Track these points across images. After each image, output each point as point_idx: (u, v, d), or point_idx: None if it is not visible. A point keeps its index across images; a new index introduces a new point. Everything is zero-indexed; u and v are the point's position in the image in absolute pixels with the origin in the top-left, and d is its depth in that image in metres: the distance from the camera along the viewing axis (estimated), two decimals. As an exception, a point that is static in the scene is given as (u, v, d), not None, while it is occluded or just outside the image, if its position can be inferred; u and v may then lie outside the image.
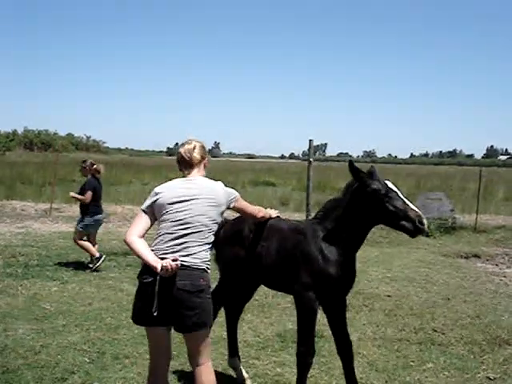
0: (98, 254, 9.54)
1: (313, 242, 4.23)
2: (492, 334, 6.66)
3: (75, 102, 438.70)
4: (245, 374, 5.17)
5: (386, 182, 4.14)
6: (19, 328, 6.31)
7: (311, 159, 14.11)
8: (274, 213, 4.63)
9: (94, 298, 7.77)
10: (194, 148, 4.05)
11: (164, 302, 3.61)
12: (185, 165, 4.04)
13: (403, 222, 4.00)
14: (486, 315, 7.48)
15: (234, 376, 5.18)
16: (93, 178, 9.88)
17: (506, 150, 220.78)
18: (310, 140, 14.25)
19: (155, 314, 3.59)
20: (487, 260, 12.19)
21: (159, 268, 3.52)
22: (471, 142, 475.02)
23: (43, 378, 5.04)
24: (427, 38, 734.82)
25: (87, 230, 9.82)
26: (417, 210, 4.01)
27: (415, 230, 3.99)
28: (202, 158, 4.07)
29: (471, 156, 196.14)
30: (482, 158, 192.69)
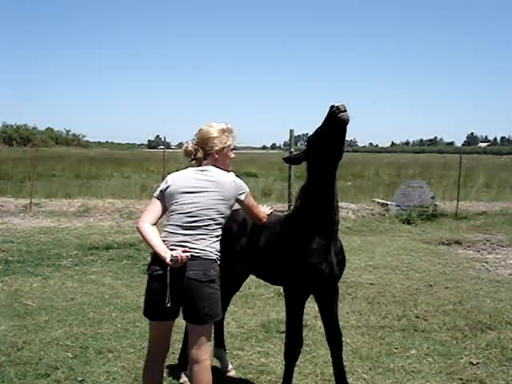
0: None
1: (293, 231, 4.21)
2: (474, 319, 6.71)
3: (54, 96, 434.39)
4: (229, 365, 5.18)
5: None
6: (1, 325, 6.24)
7: (292, 149, 14.16)
8: (267, 210, 4.49)
9: (76, 292, 7.71)
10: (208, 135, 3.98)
11: (176, 293, 3.61)
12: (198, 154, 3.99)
13: (330, 129, 3.79)
14: (468, 301, 7.53)
15: (219, 367, 5.17)
16: None
17: (486, 137, 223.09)
18: (291, 130, 14.33)
19: (168, 305, 3.59)
20: (468, 246, 12.28)
21: (168, 258, 3.52)
22: (451, 130, 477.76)
23: (26, 374, 4.99)
24: (409, 26, 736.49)
25: None
26: None
27: (332, 117, 3.73)
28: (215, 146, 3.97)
29: (452, 143, 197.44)
30: (463, 145, 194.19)
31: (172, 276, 3.58)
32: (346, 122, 3.73)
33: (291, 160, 4.28)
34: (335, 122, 3.73)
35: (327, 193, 4.00)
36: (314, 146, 3.95)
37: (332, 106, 3.72)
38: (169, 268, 3.56)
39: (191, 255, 3.60)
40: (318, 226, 4.05)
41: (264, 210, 4.44)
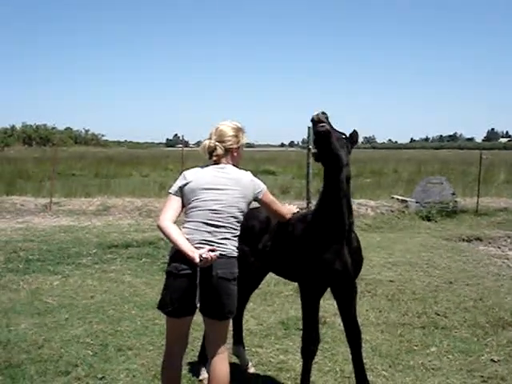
0: None
1: (308, 230, 4.21)
2: (495, 316, 6.65)
3: (73, 96, 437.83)
4: (248, 362, 5.18)
5: None
6: (22, 323, 6.30)
7: (311, 147, 14.10)
8: (293, 209, 4.47)
9: (96, 290, 7.76)
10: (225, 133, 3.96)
11: (204, 291, 3.62)
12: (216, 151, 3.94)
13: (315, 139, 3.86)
14: (489, 298, 7.47)
15: (238, 363, 5.18)
16: None
17: (507, 132, 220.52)
18: (309, 127, 14.26)
19: (198, 304, 3.63)
20: (489, 243, 12.17)
21: (197, 259, 3.50)
22: (471, 126, 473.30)
23: (47, 371, 5.04)
24: (425, 20, 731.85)
25: None
26: None
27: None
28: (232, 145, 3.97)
29: (471, 139, 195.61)
30: (483, 141, 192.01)
31: (201, 275, 3.59)
32: (320, 134, 3.77)
33: (314, 156, 4.24)
34: (314, 133, 3.81)
35: (335, 194, 3.97)
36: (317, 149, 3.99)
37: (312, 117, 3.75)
38: (198, 268, 3.56)
39: (219, 254, 3.62)
40: (329, 226, 4.04)
41: (290, 208, 4.44)
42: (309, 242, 4.15)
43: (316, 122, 3.72)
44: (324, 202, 4.07)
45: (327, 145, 3.82)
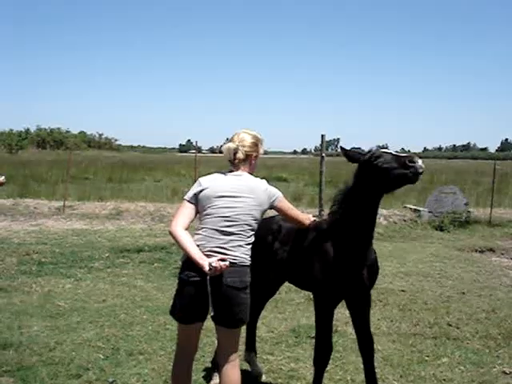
0: None
1: (325, 237, 4.19)
2: (507, 328, 6.60)
3: (87, 100, 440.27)
4: (260, 369, 5.17)
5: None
6: (34, 325, 6.33)
7: (323, 154, 14.11)
8: (310, 217, 4.40)
9: (108, 294, 7.79)
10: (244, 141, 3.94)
11: (215, 300, 3.61)
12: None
13: (396, 171, 3.74)
14: (502, 309, 7.42)
15: (249, 370, 5.17)
16: None
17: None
18: (323, 135, 14.25)
19: (212, 313, 3.61)
20: (502, 254, 12.10)
21: (207, 267, 3.49)
22: (485, 136, 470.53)
23: (58, 374, 5.05)
24: (437, 27, 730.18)
25: None
26: (408, 155, 3.80)
27: (406, 170, 3.72)
28: (250, 153, 3.96)
29: (485, 149, 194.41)
30: (497, 151, 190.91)
31: (211, 283, 3.57)
32: (407, 181, 3.77)
33: (348, 153, 4.08)
34: (404, 177, 3.74)
35: (372, 209, 3.98)
36: (371, 169, 3.89)
37: (411, 161, 3.70)
38: (208, 277, 3.54)
39: (229, 262, 3.60)
40: (353, 239, 4.03)
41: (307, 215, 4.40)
42: (328, 253, 4.11)
43: (419, 173, 3.72)
44: (353, 215, 4.01)
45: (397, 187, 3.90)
